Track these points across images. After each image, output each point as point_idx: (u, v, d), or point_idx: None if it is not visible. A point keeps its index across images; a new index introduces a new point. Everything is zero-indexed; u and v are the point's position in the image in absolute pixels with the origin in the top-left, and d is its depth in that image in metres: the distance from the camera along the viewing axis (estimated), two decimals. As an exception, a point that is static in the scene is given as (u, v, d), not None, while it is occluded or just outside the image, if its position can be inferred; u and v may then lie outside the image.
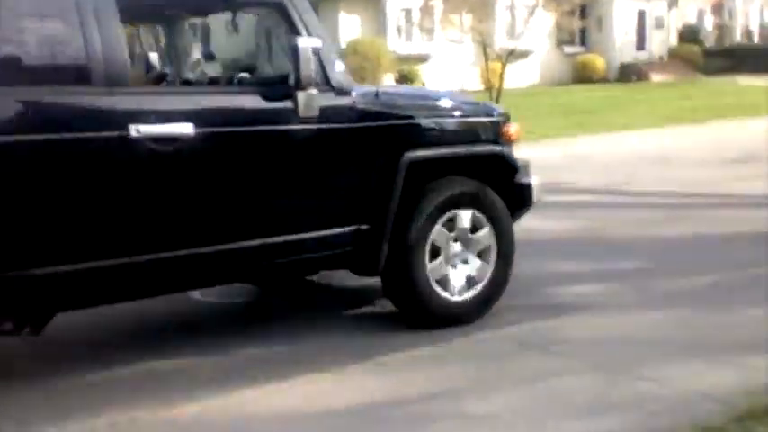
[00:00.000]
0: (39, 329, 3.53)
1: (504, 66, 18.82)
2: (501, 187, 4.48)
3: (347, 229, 4.04)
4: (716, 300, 4.72)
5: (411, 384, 3.55)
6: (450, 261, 4.32)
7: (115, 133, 3.33)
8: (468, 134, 4.52)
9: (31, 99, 3.22)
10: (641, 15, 31.53)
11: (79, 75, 3.33)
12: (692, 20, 37.36)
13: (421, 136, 4.27)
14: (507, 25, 25.44)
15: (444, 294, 4.27)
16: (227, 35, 4.73)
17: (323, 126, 3.90)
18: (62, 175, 3.28)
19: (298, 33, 3.80)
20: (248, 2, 4.31)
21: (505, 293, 4.54)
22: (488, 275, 4.42)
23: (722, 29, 40.72)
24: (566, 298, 4.93)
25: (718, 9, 40.89)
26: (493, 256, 4.42)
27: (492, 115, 4.70)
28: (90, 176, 3.34)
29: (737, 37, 40.66)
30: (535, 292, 5.04)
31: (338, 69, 3.96)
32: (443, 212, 4.23)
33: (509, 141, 4.66)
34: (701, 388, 3.30)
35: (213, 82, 4.78)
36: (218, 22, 4.73)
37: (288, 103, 3.76)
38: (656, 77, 29.06)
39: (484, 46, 19.79)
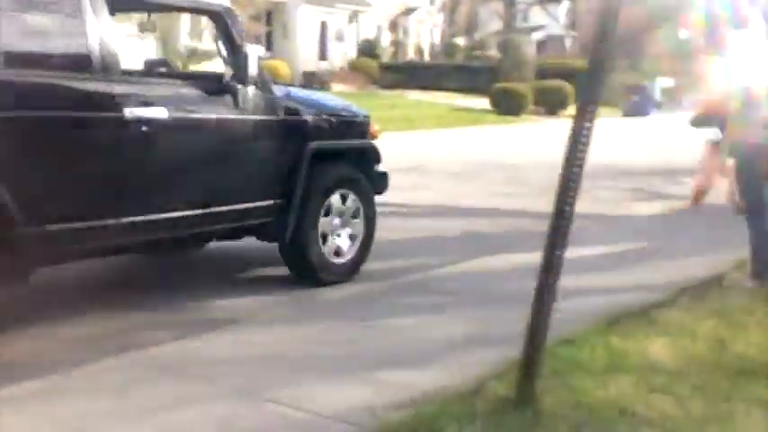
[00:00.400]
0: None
1: (185, 66, 18.25)
2: (368, 173, 5.54)
3: (267, 202, 4.94)
4: (374, 312, 4.67)
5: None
6: (335, 231, 5.29)
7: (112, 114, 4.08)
8: (351, 130, 5.62)
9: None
10: (323, 27, 32.67)
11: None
12: (371, 35, 39.61)
13: (321, 129, 5.26)
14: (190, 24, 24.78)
15: (331, 259, 5.24)
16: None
17: (253, 117, 4.81)
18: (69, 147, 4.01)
19: (232, 39, 4.75)
20: (193, 8, 5.27)
21: (154, 309, 4.47)
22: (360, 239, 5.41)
23: (397, 45, 43.81)
24: (215, 313, 4.61)
25: (394, 26, 43.89)
26: (362, 227, 5.43)
27: (363, 116, 5.78)
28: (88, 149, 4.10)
29: (410, 53, 43.99)
30: (190, 307, 4.68)
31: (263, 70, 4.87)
32: (333, 191, 5.22)
33: (373, 137, 5.76)
34: (337, 409, 3.12)
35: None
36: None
37: (228, 97, 4.66)
38: (336, 87, 30.21)
39: (164, 43, 19.02)
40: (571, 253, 6.09)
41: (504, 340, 3.60)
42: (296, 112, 5.10)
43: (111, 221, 4.10)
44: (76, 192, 4.00)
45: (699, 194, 6.26)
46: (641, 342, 3.89)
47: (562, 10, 54.30)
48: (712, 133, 6.45)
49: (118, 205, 4.16)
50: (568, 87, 25.42)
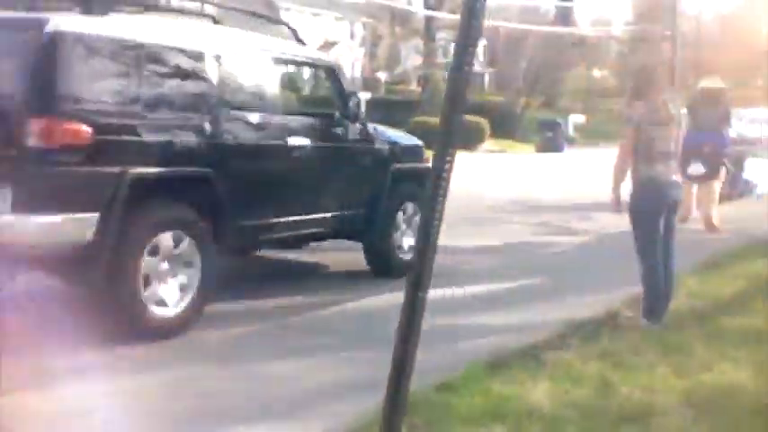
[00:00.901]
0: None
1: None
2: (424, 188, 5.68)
3: (363, 210, 6.36)
4: (254, 355, 4.36)
5: None
6: (405, 233, 6.80)
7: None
8: (414, 156, 7.09)
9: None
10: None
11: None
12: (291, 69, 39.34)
13: (398, 155, 6.68)
14: None
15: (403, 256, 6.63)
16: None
17: (357, 145, 6.30)
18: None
19: (341, 87, 6.28)
20: (313, 63, 6.40)
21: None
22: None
23: (319, 78, 43.74)
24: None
25: (315, 60, 43.85)
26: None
27: (420, 145, 7.29)
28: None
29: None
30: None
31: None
32: (404, 202, 6.71)
33: (426, 161, 6.81)
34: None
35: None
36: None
37: (340, 129, 6.17)
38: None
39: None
40: (467, 290, 6.16)
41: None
42: (380, 142, 6.57)
43: (281, 220, 5.64)
44: (263, 198, 5.49)
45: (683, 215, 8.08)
46: (524, 386, 3.71)
47: (480, 48, 55.36)
48: (693, 169, 8.49)
49: (284, 208, 5.66)
50: (484, 122, 25.68)
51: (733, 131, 12.95)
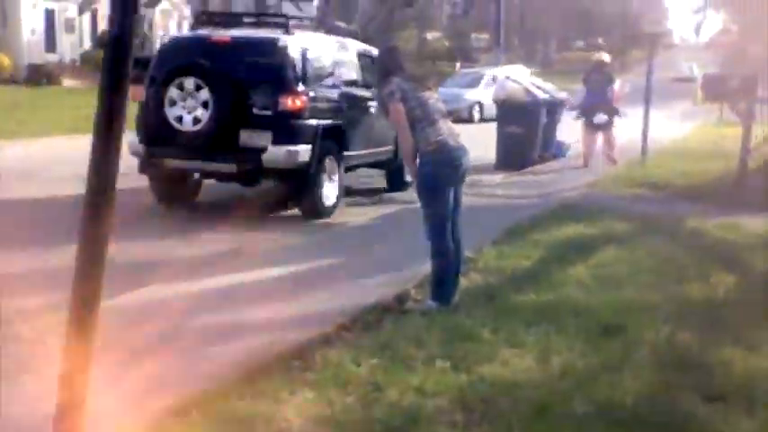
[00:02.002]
0: None
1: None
2: None
3: (391, 147, 8.99)
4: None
5: None
6: None
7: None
8: None
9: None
10: (50, 15, 29.78)
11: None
12: (112, 26, 36.85)
13: None
14: None
15: None
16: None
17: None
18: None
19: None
20: (366, 55, 9.07)
21: None
22: None
23: (143, 38, 41.34)
24: None
25: (137, 18, 41.33)
26: None
27: None
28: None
29: (157, 47, 41.74)
30: None
31: None
32: None
33: None
34: None
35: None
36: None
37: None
38: (68, 82, 27.68)
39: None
40: (248, 276, 5.61)
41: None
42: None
43: (366, 151, 8.78)
44: (359, 138, 8.55)
45: (586, 161, 11.77)
46: (279, 400, 3.21)
47: (314, 7, 54.39)
48: (598, 119, 11.68)
49: (367, 144, 8.70)
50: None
51: (545, 93, 13.15)
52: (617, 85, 12.46)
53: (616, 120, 11.99)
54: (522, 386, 3.52)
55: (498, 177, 11.30)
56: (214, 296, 4.78)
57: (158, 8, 41.96)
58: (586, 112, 12.05)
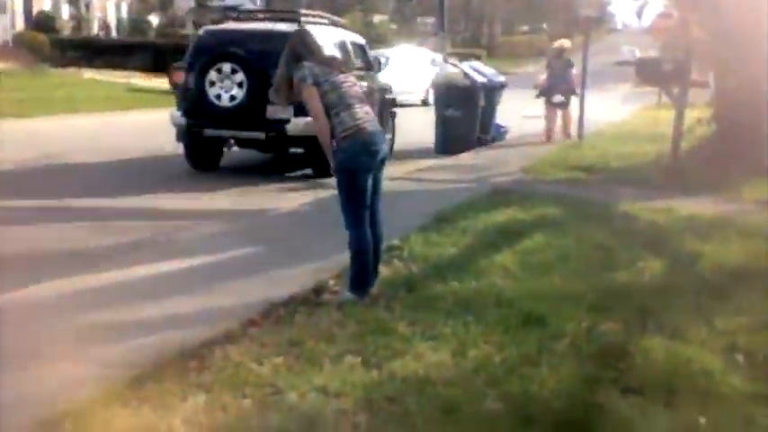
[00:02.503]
0: None
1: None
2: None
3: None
4: None
5: None
6: None
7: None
8: (391, 92, 12.56)
9: None
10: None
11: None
12: (47, 7, 35.65)
13: (389, 90, 12.18)
14: None
15: None
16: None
17: (377, 85, 11.06)
18: None
19: (368, 54, 11.73)
20: (356, 44, 11.33)
21: None
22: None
23: (79, 20, 40.07)
24: None
25: (75, 0, 40.10)
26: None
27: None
28: None
29: (95, 29, 40.47)
30: None
31: None
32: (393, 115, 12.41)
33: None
34: None
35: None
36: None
37: (372, 74, 11.22)
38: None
39: None
40: (162, 266, 5.33)
41: None
42: (383, 84, 11.73)
43: None
44: None
45: (548, 136, 13.02)
46: (167, 406, 2.96)
47: (257, -11, 53.52)
48: (556, 98, 12.90)
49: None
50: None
51: (483, 77, 13.02)
52: (575, 69, 13.27)
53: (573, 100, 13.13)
54: (433, 383, 3.33)
55: (436, 161, 11.15)
56: (114, 290, 4.49)
57: (95, -11, 40.73)
58: (547, 92, 13.18)
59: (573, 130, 13.03)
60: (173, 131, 9.80)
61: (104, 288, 4.54)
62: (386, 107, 11.53)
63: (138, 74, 29.05)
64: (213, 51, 9.38)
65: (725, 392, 3.34)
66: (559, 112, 13.23)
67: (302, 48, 4.50)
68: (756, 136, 8.66)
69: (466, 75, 12.74)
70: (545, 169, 9.68)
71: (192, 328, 3.88)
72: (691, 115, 10.20)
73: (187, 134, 9.61)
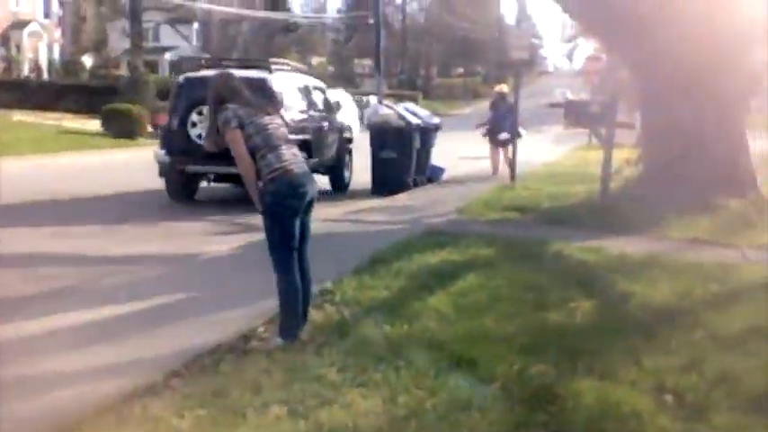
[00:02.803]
0: None
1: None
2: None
3: (334, 156, 12.57)
4: None
5: None
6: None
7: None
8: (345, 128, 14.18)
9: None
10: None
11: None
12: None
13: (346, 128, 13.76)
14: None
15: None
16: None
17: (335, 124, 12.77)
18: None
19: (327, 97, 13.13)
20: (318, 88, 13.03)
21: None
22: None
23: (10, 61, 39.28)
24: None
25: (5, 41, 39.35)
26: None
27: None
28: None
29: (26, 71, 39.72)
30: None
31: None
32: (349, 151, 14.07)
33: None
34: None
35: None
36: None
37: (332, 116, 12.77)
38: None
39: None
40: (84, 315, 5.13)
41: None
42: (340, 123, 13.07)
43: (320, 159, 11.72)
44: (317, 146, 11.47)
45: (494, 169, 14.41)
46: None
47: (194, 30, 53.47)
48: (502, 135, 13.87)
49: (321, 152, 11.67)
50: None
51: (418, 119, 13.13)
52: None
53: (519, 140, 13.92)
54: (362, 431, 3.25)
55: (372, 202, 11.14)
56: (30, 341, 4.29)
57: (26, 30, 40.04)
58: (491, 132, 14.50)
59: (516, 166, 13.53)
60: (106, 174, 9.64)
61: (20, 339, 4.34)
62: (344, 146, 12.93)
63: (69, 115, 28.50)
64: (193, 96, 10.32)
65: (654, 434, 3.34)
66: (502, 150, 14.28)
67: (226, 90, 4.43)
68: (681, 176, 8.88)
69: (401, 116, 12.84)
70: (479, 210, 9.75)
71: (110, 380, 3.71)
72: (619, 156, 10.45)
73: (171, 170, 10.70)
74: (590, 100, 11.95)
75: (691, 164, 8.88)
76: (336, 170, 12.76)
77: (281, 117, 4.56)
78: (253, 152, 4.25)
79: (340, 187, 12.86)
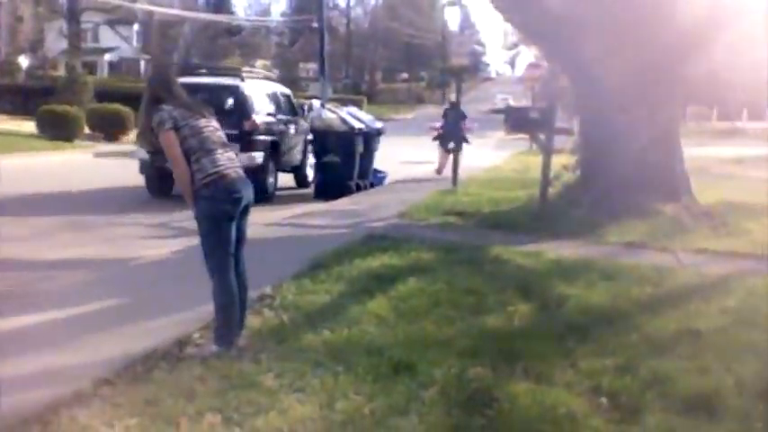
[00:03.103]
0: None
1: None
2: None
3: (301, 156, 14.11)
4: None
5: None
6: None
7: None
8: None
9: None
10: None
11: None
12: None
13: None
14: None
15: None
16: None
17: (303, 126, 13.86)
18: None
19: (293, 103, 14.29)
20: (286, 95, 14.16)
21: None
22: None
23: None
24: None
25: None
26: None
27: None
28: None
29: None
30: None
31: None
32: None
33: None
34: None
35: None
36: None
37: (300, 120, 14.02)
38: None
39: None
40: (14, 322, 4.87)
41: None
42: (304, 126, 13.78)
43: (288, 157, 13.42)
44: (286, 149, 13.13)
45: (440, 171, 15.52)
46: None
47: (134, 32, 52.55)
48: (450, 145, 14.42)
49: (289, 154, 13.46)
50: (126, 111, 23.66)
51: (361, 123, 13.14)
52: (467, 121, 15.75)
53: (465, 146, 14.85)
54: (294, 438, 3.21)
55: (314, 206, 11.09)
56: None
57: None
58: (442, 138, 15.52)
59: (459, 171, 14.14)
60: (41, 177, 9.36)
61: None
62: (307, 147, 13.96)
63: (4, 116, 27.70)
64: None
65: (588, 436, 3.38)
66: (451, 156, 14.60)
67: (162, 90, 4.33)
68: (617, 182, 9.05)
69: (344, 121, 12.81)
70: (421, 214, 9.78)
71: (38, 389, 3.59)
72: (559, 161, 10.60)
73: (150, 167, 11.46)
74: (530, 106, 12.18)
75: (626, 169, 9.05)
76: (300, 169, 14.05)
77: (216, 120, 4.46)
78: (188, 155, 4.17)
79: (303, 184, 14.09)
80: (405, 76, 70.48)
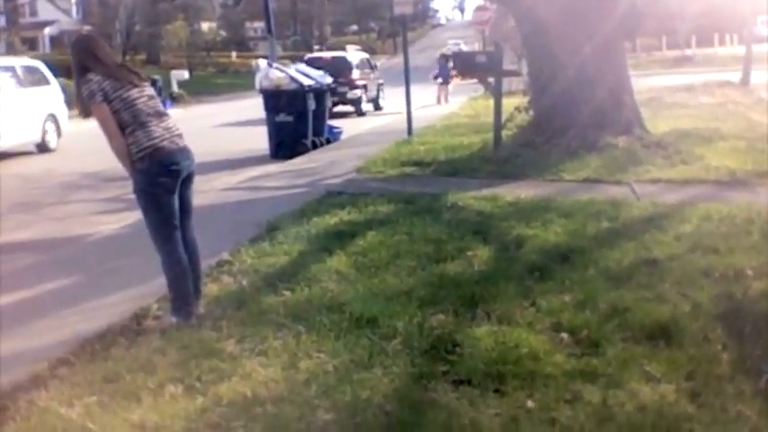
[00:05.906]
0: None
1: None
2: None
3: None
4: None
5: None
6: None
7: None
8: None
9: None
10: None
11: None
12: None
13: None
14: None
15: None
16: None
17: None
18: None
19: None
20: (368, 59, 25.68)
21: None
22: None
23: None
24: None
25: None
26: None
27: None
28: None
29: None
30: None
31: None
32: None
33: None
34: None
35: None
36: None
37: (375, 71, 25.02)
38: None
39: None
40: None
41: None
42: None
43: None
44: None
45: (438, 100, 22.80)
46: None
47: (72, 3, 51.08)
48: (439, 80, 23.47)
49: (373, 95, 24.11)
50: (70, 85, 22.96)
51: (311, 80, 12.99)
52: (450, 64, 20.66)
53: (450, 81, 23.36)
54: (262, 401, 3.19)
55: (270, 167, 10.97)
56: None
57: None
58: (437, 77, 23.63)
59: (450, 99, 22.76)
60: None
61: None
62: (379, 90, 21.63)
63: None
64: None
65: (551, 373, 3.40)
66: (443, 89, 23.08)
67: (86, 57, 4.12)
68: (568, 119, 9.08)
69: (293, 79, 12.62)
70: (378, 167, 9.73)
71: (-6, 374, 3.52)
72: (512, 103, 10.59)
73: None
74: (476, 51, 12.27)
75: (577, 107, 9.07)
76: (376, 101, 23.46)
77: (149, 87, 4.29)
78: (122, 128, 4.01)
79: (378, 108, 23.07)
80: (354, 28, 69.67)
